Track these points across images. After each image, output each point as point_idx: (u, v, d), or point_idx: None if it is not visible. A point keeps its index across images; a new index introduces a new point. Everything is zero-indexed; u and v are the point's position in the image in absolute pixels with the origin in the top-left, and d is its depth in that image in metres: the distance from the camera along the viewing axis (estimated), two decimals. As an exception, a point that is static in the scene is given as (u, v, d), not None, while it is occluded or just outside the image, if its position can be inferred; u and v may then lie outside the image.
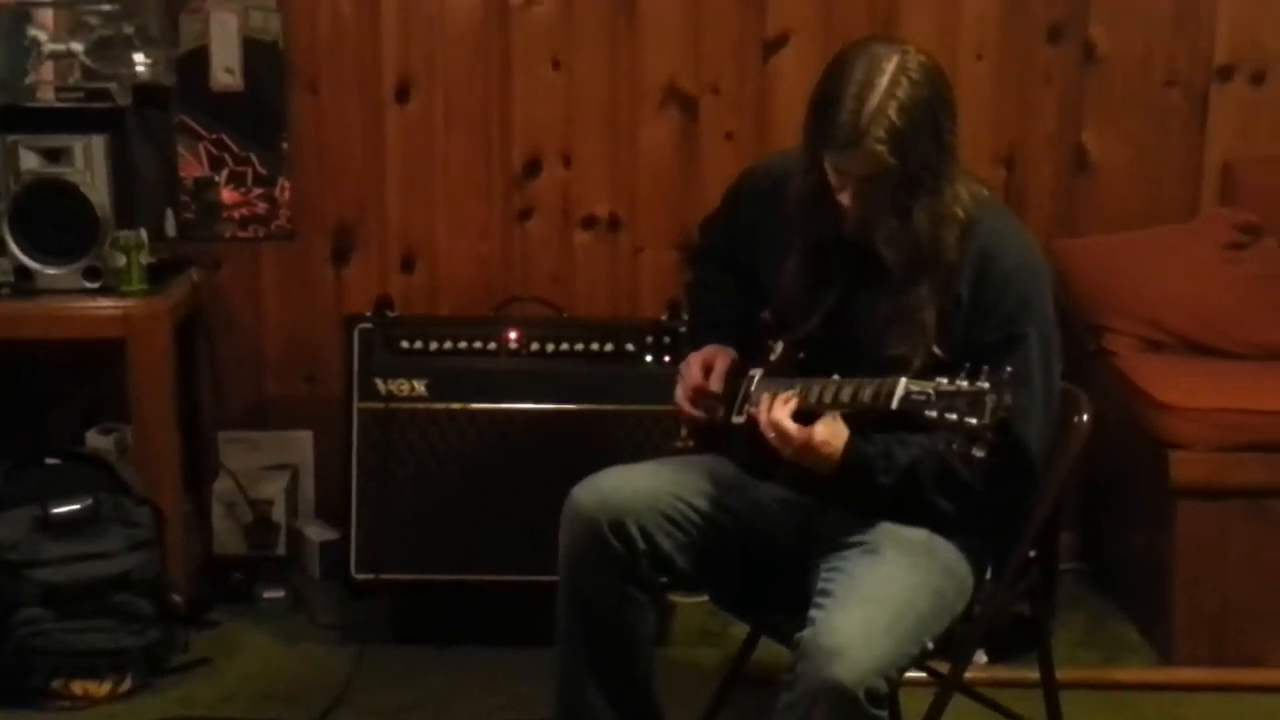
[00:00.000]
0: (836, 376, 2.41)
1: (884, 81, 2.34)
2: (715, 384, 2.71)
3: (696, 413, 2.74)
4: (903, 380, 2.26)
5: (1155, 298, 3.87)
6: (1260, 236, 3.94)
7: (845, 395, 2.37)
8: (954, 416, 2.18)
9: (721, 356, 2.73)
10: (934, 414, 2.20)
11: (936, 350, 2.41)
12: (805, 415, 2.42)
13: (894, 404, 2.25)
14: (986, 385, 2.16)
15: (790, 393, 2.44)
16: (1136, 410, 3.60)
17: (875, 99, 2.34)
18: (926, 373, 2.29)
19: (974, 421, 2.16)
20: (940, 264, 2.44)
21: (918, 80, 2.36)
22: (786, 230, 2.60)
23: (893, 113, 2.34)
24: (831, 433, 2.41)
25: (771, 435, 2.43)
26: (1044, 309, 2.50)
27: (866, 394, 2.31)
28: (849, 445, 2.42)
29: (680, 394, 2.76)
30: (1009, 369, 2.18)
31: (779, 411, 2.42)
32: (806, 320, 2.58)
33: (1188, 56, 4.06)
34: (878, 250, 2.47)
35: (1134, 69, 4.06)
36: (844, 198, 2.44)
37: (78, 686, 3.34)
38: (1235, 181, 4.06)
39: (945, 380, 2.21)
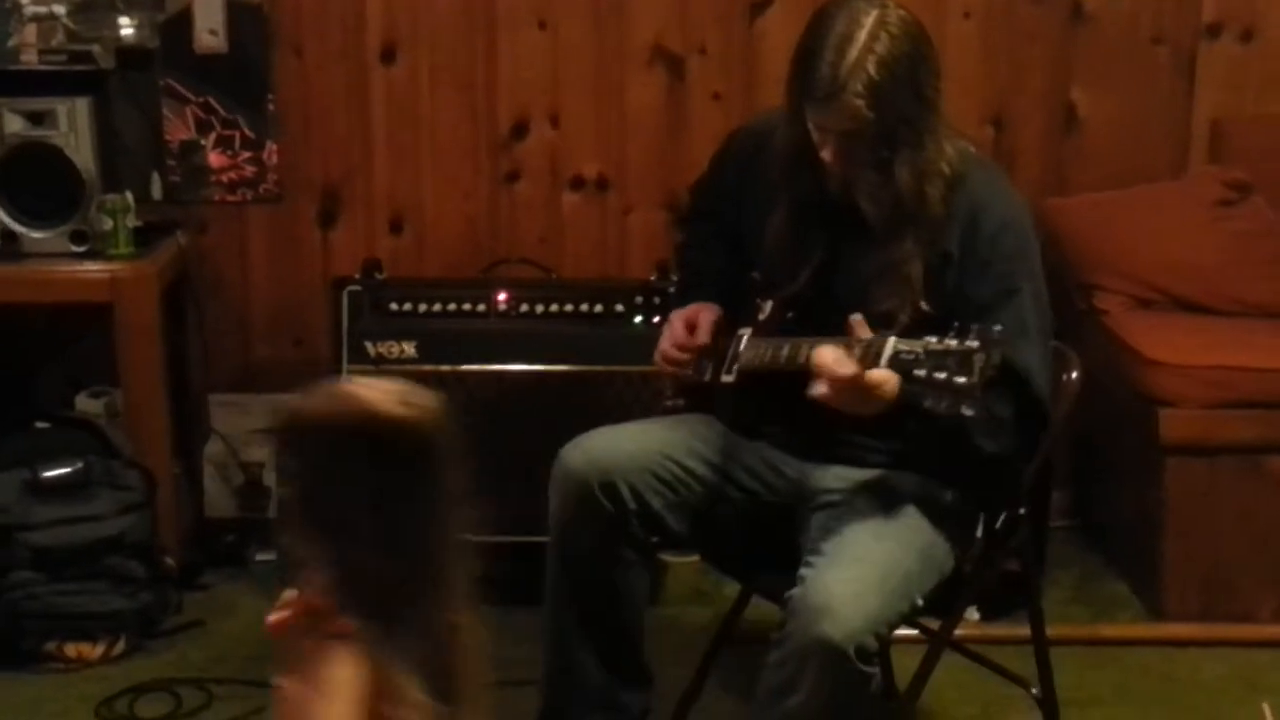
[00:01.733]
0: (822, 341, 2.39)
1: (863, 36, 2.34)
2: (703, 336, 2.72)
3: (674, 370, 2.74)
4: (891, 339, 2.25)
5: (1144, 256, 3.87)
6: (1249, 194, 3.93)
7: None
8: (943, 375, 2.17)
9: (705, 313, 2.74)
10: (923, 373, 2.19)
11: (924, 305, 2.41)
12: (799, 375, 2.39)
13: (882, 362, 2.24)
14: (976, 344, 2.15)
15: (790, 345, 2.43)
16: (1126, 368, 3.61)
17: (854, 53, 2.34)
18: (915, 328, 2.28)
19: (963, 380, 2.16)
20: (925, 218, 2.44)
21: (897, 35, 2.36)
22: (773, 189, 2.60)
23: (871, 66, 2.33)
24: (884, 375, 2.25)
25: (838, 388, 2.27)
26: (1034, 263, 2.50)
27: (856, 352, 2.31)
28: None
29: (660, 349, 2.76)
30: (998, 328, 2.18)
31: (846, 366, 2.26)
32: (794, 278, 2.58)
33: (1175, 14, 4.04)
34: (861, 206, 2.47)
35: (1122, 27, 4.04)
36: (826, 153, 2.44)
37: (70, 649, 3.35)
38: (1224, 139, 4.06)
39: (934, 339, 2.20)
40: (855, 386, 2.26)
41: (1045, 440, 2.53)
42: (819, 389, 2.29)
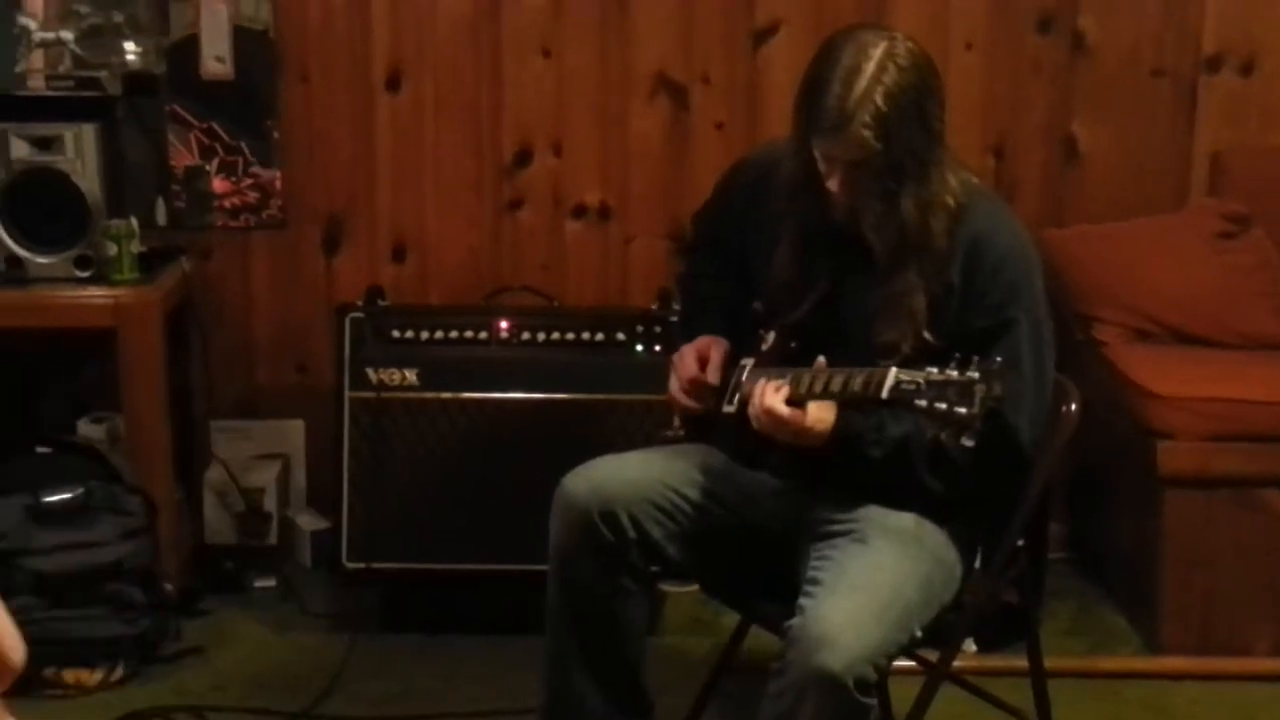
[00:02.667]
0: (821, 358, 2.41)
1: (871, 67, 2.36)
2: (712, 375, 2.71)
3: (691, 404, 2.75)
4: (893, 370, 2.26)
5: (1144, 288, 3.88)
6: (1248, 227, 3.94)
7: (836, 385, 2.37)
8: (944, 406, 2.19)
9: (716, 347, 2.74)
10: (924, 403, 2.21)
11: (928, 336, 2.43)
12: (796, 404, 2.43)
13: (884, 393, 2.26)
14: (976, 375, 2.17)
15: (781, 380, 2.45)
16: (1125, 400, 3.61)
17: (862, 84, 2.35)
18: (918, 360, 2.29)
19: (963, 411, 2.17)
20: (929, 250, 2.45)
21: (905, 67, 2.37)
22: (777, 219, 2.61)
23: (879, 98, 2.35)
24: (825, 411, 2.42)
25: (765, 420, 2.43)
26: (1034, 296, 2.51)
27: (857, 383, 2.32)
28: (840, 417, 2.44)
29: (675, 385, 2.76)
30: (998, 359, 2.19)
31: (771, 398, 2.42)
32: (797, 308, 2.59)
33: (1176, 46, 4.06)
34: (866, 237, 2.48)
35: (1123, 59, 4.06)
36: (832, 184, 2.45)
37: (69, 675, 3.35)
38: (1224, 172, 4.07)
39: (935, 370, 2.22)
40: (776, 420, 2.41)
41: (1029, 474, 2.53)
42: (761, 419, 2.45)
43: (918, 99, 2.39)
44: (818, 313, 2.58)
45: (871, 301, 2.49)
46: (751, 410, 2.47)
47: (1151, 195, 4.10)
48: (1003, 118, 4.09)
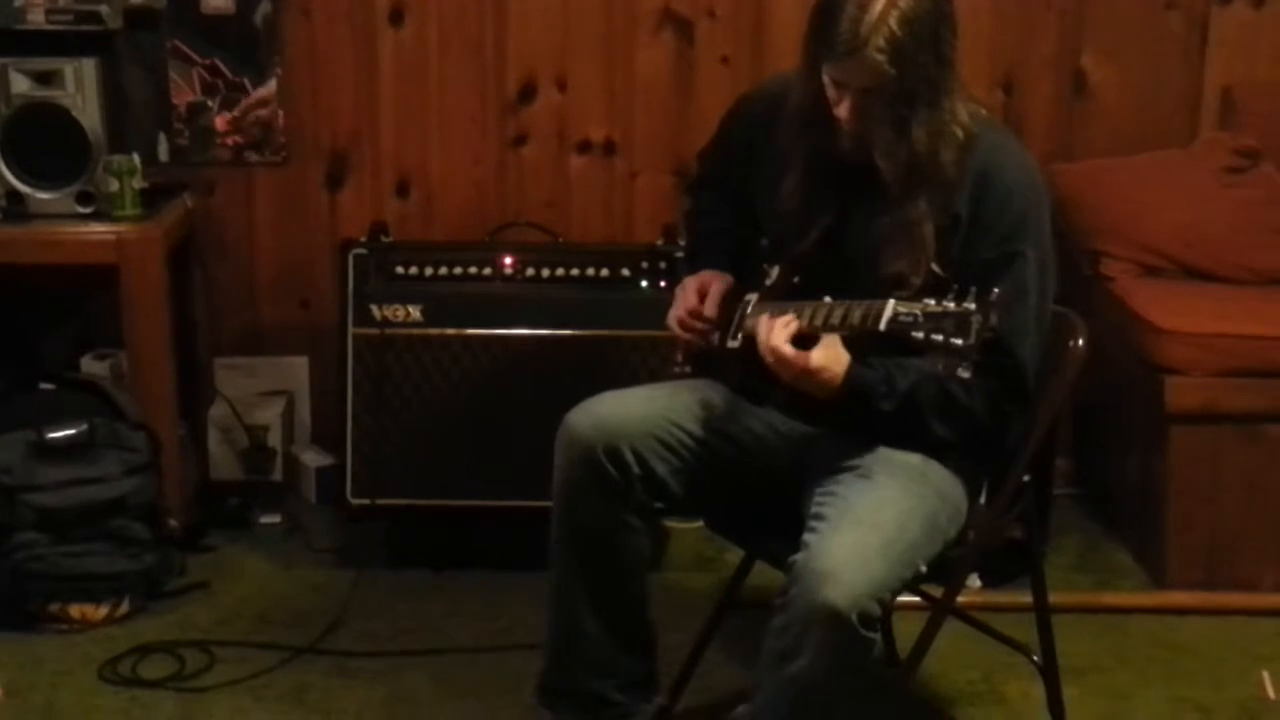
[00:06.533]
0: (828, 299, 2.39)
1: None
2: (710, 308, 2.70)
3: (689, 336, 2.74)
4: (891, 302, 2.25)
5: (1153, 223, 3.86)
6: (1258, 161, 3.92)
7: (836, 317, 2.35)
8: (940, 337, 2.17)
9: (717, 281, 2.72)
10: (920, 335, 2.19)
11: (936, 268, 2.41)
12: (802, 339, 2.41)
13: (881, 325, 2.24)
14: (973, 306, 2.15)
15: (789, 316, 2.43)
16: (1132, 335, 3.60)
17: (877, 8, 2.32)
18: (926, 292, 2.27)
19: (959, 342, 2.15)
20: (938, 180, 2.43)
21: None
22: (784, 150, 2.59)
23: (893, 22, 2.32)
24: (831, 358, 2.39)
25: (770, 360, 2.42)
26: (1041, 229, 2.49)
27: (856, 315, 2.31)
28: (850, 371, 2.41)
29: (673, 317, 2.75)
30: (996, 290, 2.17)
31: (777, 336, 2.40)
32: (803, 239, 2.57)
33: (1188, -22, 4.03)
34: (875, 166, 2.45)
35: (1134, -9, 4.03)
36: (841, 110, 2.43)
37: (74, 610, 3.36)
38: (1234, 106, 4.04)
39: (933, 301, 2.20)
40: (780, 360, 2.38)
41: (1033, 408, 2.52)
42: (767, 359, 2.42)
43: (932, 25, 2.37)
44: (823, 245, 2.56)
45: (879, 231, 2.47)
46: (760, 347, 2.45)
47: (1161, 130, 4.07)
48: (1011, 51, 4.05)
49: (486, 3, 3.99)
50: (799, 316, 2.41)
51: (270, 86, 3.99)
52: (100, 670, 3.18)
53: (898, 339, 2.24)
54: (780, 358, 2.39)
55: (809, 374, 2.39)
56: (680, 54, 4.03)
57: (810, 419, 2.63)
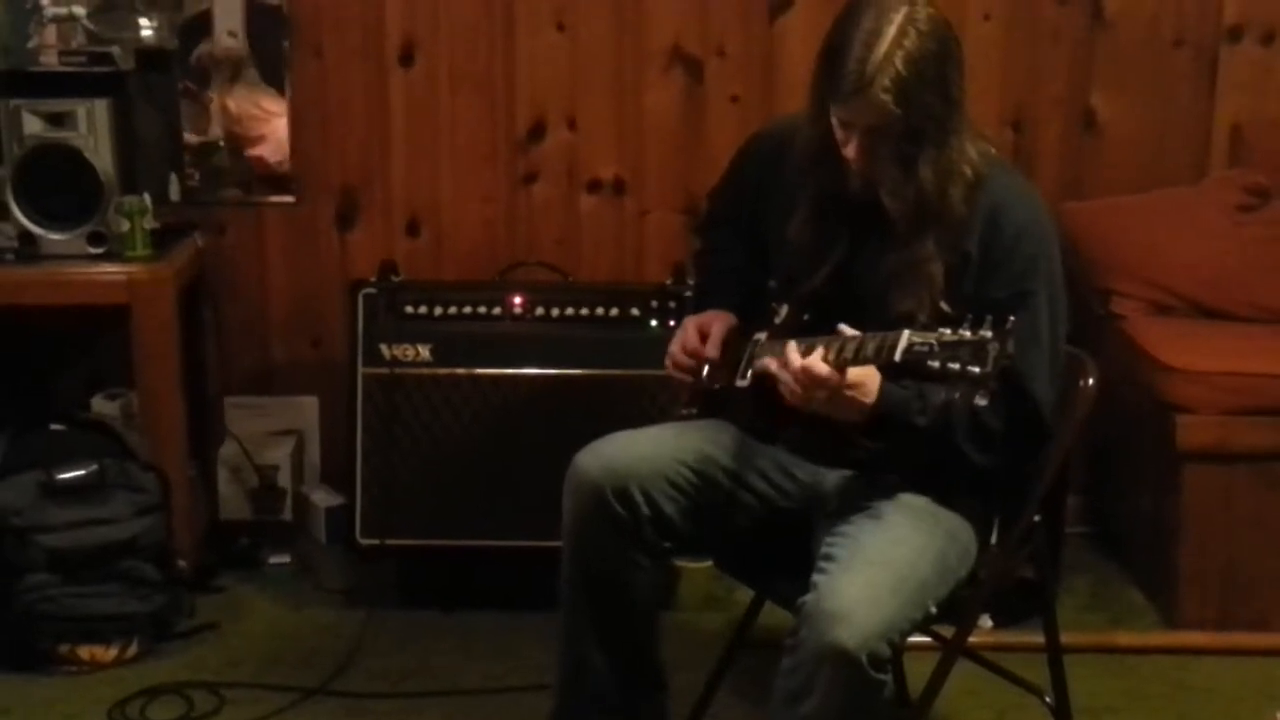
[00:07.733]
0: (842, 326, 2.38)
1: (892, 31, 2.33)
2: (712, 349, 2.71)
3: (681, 375, 2.74)
4: (905, 332, 2.24)
5: (1163, 261, 3.85)
6: (1269, 199, 3.92)
7: (849, 351, 2.35)
8: (956, 366, 2.16)
9: (718, 321, 2.73)
10: (937, 364, 2.19)
11: (944, 306, 2.40)
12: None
13: (897, 356, 2.23)
14: (989, 334, 2.15)
15: (809, 344, 2.42)
16: (1143, 374, 3.59)
17: (882, 48, 2.33)
18: (932, 328, 2.27)
19: (977, 370, 2.15)
20: (946, 219, 2.43)
21: (925, 32, 2.35)
22: (793, 188, 2.59)
23: (899, 62, 2.33)
24: (864, 374, 2.37)
25: (802, 379, 2.37)
26: (1052, 269, 2.49)
27: (870, 348, 2.30)
28: (883, 388, 2.40)
29: (670, 352, 2.76)
30: (1012, 319, 2.17)
31: (810, 358, 2.37)
32: (812, 277, 2.57)
33: (1197, 16, 4.03)
34: (883, 205, 2.46)
35: (1143, 29, 4.03)
36: (849, 150, 2.43)
37: (84, 651, 3.35)
38: (1244, 143, 4.04)
39: (948, 331, 2.19)
40: (814, 379, 2.33)
41: (1048, 448, 2.51)
42: (797, 380, 2.37)
43: (938, 65, 2.37)
44: (832, 282, 2.56)
45: (887, 270, 2.47)
46: (785, 373, 2.41)
47: (1171, 167, 4.07)
48: (1021, 89, 4.06)
49: (496, 42, 4.01)
50: (811, 350, 2.41)
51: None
52: (109, 712, 3.18)
53: (913, 369, 2.24)
54: (814, 377, 2.36)
55: (842, 392, 2.37)
56: (690, 93, 4.04)
57: (819, 459, 2.63)
